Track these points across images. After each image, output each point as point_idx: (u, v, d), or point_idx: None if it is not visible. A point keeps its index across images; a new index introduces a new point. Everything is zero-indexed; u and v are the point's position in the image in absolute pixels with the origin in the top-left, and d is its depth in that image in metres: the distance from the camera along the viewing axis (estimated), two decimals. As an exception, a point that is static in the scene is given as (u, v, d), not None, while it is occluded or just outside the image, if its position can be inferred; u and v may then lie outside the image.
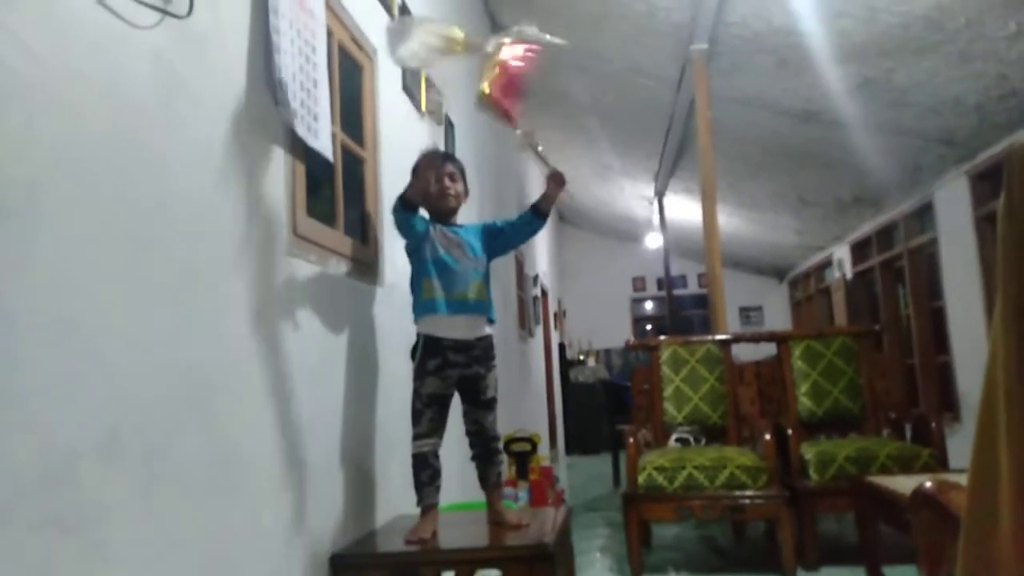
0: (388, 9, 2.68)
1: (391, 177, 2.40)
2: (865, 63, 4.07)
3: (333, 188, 2.01)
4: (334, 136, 1.94)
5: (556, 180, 1.99)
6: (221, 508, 1.32)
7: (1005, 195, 0.83)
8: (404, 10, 2.93)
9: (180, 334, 1.24)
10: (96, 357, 1.05)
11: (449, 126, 3.35)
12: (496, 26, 6.05)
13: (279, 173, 1.64)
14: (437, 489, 1.93)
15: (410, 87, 2.71)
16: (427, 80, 2.96)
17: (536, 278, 7.14)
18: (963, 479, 1.21)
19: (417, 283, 1.98)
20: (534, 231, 2.13)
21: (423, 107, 2.87)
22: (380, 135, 2.37)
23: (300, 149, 1.73)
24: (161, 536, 1.15)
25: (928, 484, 1.20)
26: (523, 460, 3.98)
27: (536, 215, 2.06)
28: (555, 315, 9.36)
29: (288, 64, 1.61)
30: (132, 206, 1.15)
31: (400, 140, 2.57)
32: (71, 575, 0.97)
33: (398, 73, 2.63)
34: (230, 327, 1.40)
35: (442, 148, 3.08)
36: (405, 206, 1.96)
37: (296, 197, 1.70)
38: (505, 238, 2.12)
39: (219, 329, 1.36)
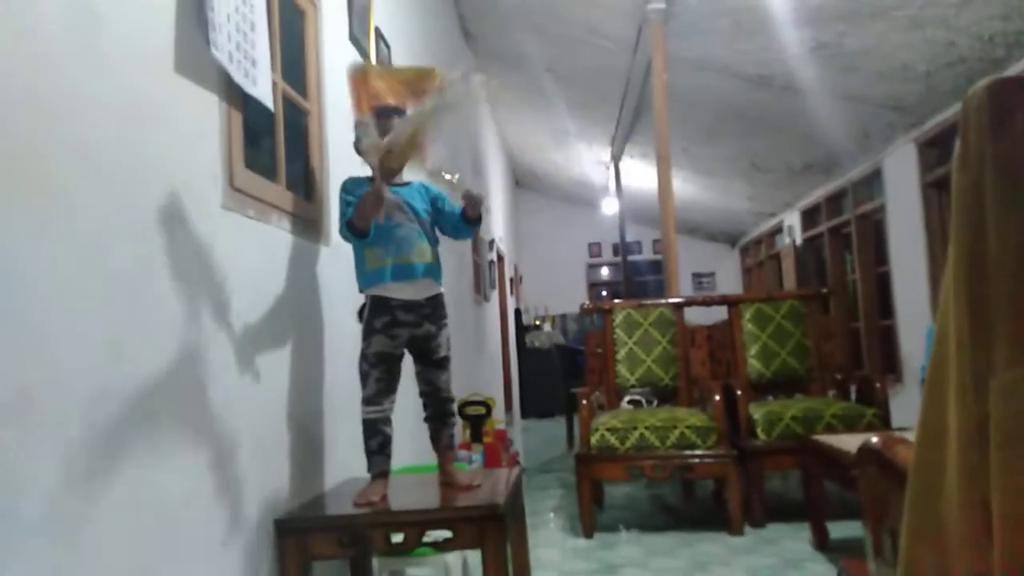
0: (364, 55, 2.62)
1: (337, 130, 2.30)
2: (819, 27, 4.08)
3: (274, 140, 1.91)
4: (275, 85, 1.83)
5: (470, 202, 1.90)
6: (154, 472, 1.25)
7: (960, 143, 0.80)
8: (380, 36, 2.81)
9: (103, 291, 1.16)
10: (8, 314, 0.97)
11: (400, 81, 3.23)
12: (468, 36, 5.89)
13: (213, 121, 1.54)
14: (388, 456, 1.89)
15: (358, 37, 2.59)
16: (376, 31, 2.84)
17: (492, 242, 7.08)
18: (908, 437, 1.22)
19: (359, 252, 1.91)
20: (461, 236, 2.04)
21: (372, 59, 2.76)
22: (325, 86, 2.26)
23: (237, 97, 1.63)
24: (87, 505, 1.08)
25: (874, 439, 1.21)
26: (477, 423, 3.98)
27: (464, 221, 1.97)
28: (511, 280, 9.34)
29: (222, 3, 1.50)
30: (48, 153, 1.06)
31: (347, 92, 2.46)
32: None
33: (344, 21, 2.51)
34: (160, 285, 1.32)
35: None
36: (355, 233, 1.81)
37: (232, 148, 1.60)
38: (443, 221, 2.00)
39: (147, 286, 1.28)
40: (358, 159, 2.17)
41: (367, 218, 1.79)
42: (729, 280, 10.96)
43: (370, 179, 1.79)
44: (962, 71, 4.22)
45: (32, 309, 1.01)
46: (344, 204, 1.90)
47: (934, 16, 3.73)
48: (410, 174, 2.02)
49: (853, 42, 4.17)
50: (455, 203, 2.00)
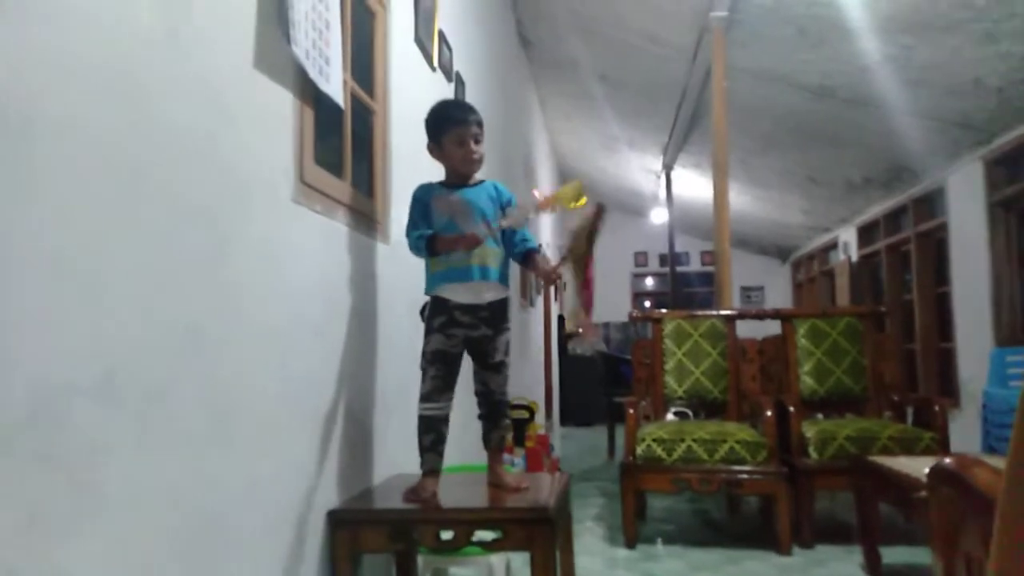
0: (428, 58, 2.66)
1: (401, 130, 2.34)
2: (887, 39, 3.98)
3: (342, 137, 1.95)
4: (345, 83, 1.87)
5: (547, 277, 1.93)
6: (217, 458, 1.28)
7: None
8: (443, 39, 2.85)
9: (179, 275, 1.19)
10: (93, 293, 1.00)
11: (460, 83, 3.27)
12: (526, 43, 5.91)
13: (287, 115, 1.57)
14: (440, 455, 1.89)
15: (423, 39, 2.62)
16: (440, 34, 2.87)
17: (539, 247, 7.07)
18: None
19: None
20: (511, 258, 2.00)
21: (435, 61, 2.79)
22: (391, 87, 2.30)
23: (310, 93, 1.66)
24: (155, 482, 1.11)
25: (949, 460, 1.16)
26: (520, 427, 3.98)
27: (521, 259, 1.96)
28: (555, 287, 9.32)
29: (300, 1, 1.53)
30: (130, 138, 1.09)
31: (411, 93, 2.49)
32: (63, 511, 0.93)
33: (411, 23, 2.55)
34: (231, 273, 1.35)
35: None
36: (431, 252, 1.87)
37: (304, 142, 1.64)
38: (508, 234, 1.94)
39: (219, 273, 1.31)
40: (419, 159, 2.20)
41: (449, 250, 1.84)
42: (779, 295, 10.75)
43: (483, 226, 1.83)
44: (1037, 87, 4.07)
45: (111, 291, 1.04)
46: (412, 212, 1.94)
47: (1011, 29, 3.61)
48: (487, 175, 2.03)
49: (923, 55, 4.06)
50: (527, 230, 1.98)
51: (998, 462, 1.13)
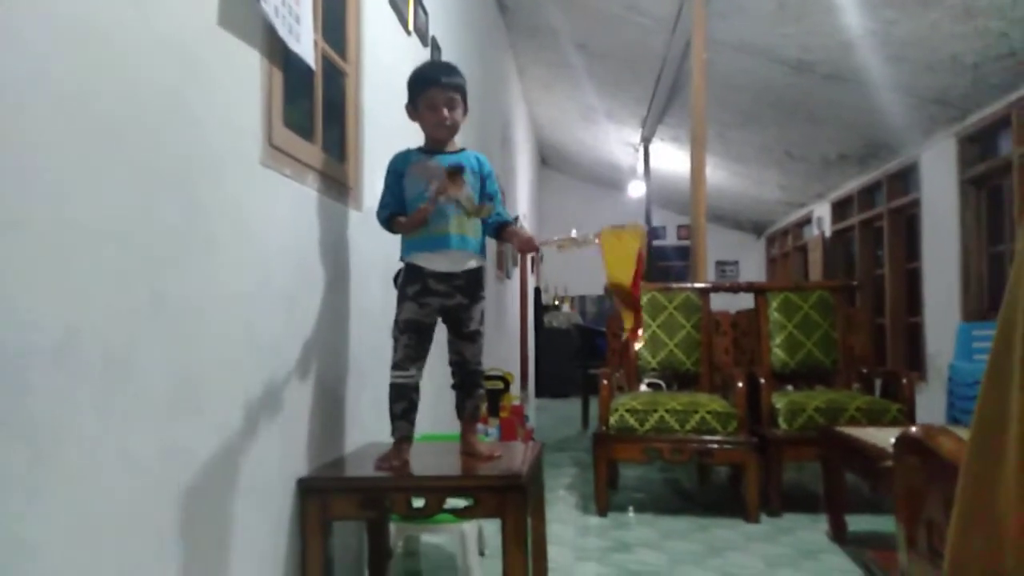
0: (403, 21, 2.59)
1: (375, 95, 2.28)
2: (869, 12, 3.96)
3: (312, 100, 1.90)
4: (316, 44, 1.81)
5: (526, 245, 1.93)
6: (182, 425, 1.26)
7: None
8: (419, 3, 2.78)
9: (143, 237, 1.16)
10: (53, 254, 0.97)
11: (435, 48, 3.20)
12: (503, 8, 5.79)
13: (255, 75, 1.53)
14: (411, 423, 1.88)
15: (397, 2, 2.56)
16: (416, -4, 2.80)
17: (516, 219, 7.04)
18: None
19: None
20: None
21: (410, 25, 2.73)
22: (364, 49, 2.24)
23: (279, 53, 1.61)
24: (117, 449, 1.09)
25: (915, 429, 1.18)
26: (495, 397, 3.98)
27: (495, 234, 1.96)
28: (532, 259, 9.30)
29: (268, -44, 1.48)
30: (92, 95, 1.05)
31: (385, 57, 2.44)
32: (22, 480, 0.91)
33: (386, -16, 2.48)
34: (197, 236, 1.31)
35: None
36: (391, 231, 1.90)
37: (273, 104, 1.59)
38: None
39: (185, 236, 1.27)
40: (393, 123, 2.15)
41: (408, 231, 1.85)
42: (753, 269, 10.85)
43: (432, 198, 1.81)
44: (1012, 64, 4.10)
45: (72, 252, 1.01)
46: (385, 184, 1.92)
47: (988, 5, 3.62)
48: (462, 144, 2.00)
49: (902, 30, 4.06)
50: (501, 204, 1.98)
51: (963, 432, 1.14)
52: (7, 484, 0.89)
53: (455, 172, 1.82)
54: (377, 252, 2.25)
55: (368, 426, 2.19)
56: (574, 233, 2.05)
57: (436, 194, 1.81)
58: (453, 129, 1.92)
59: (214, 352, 1.37)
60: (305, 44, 1.67)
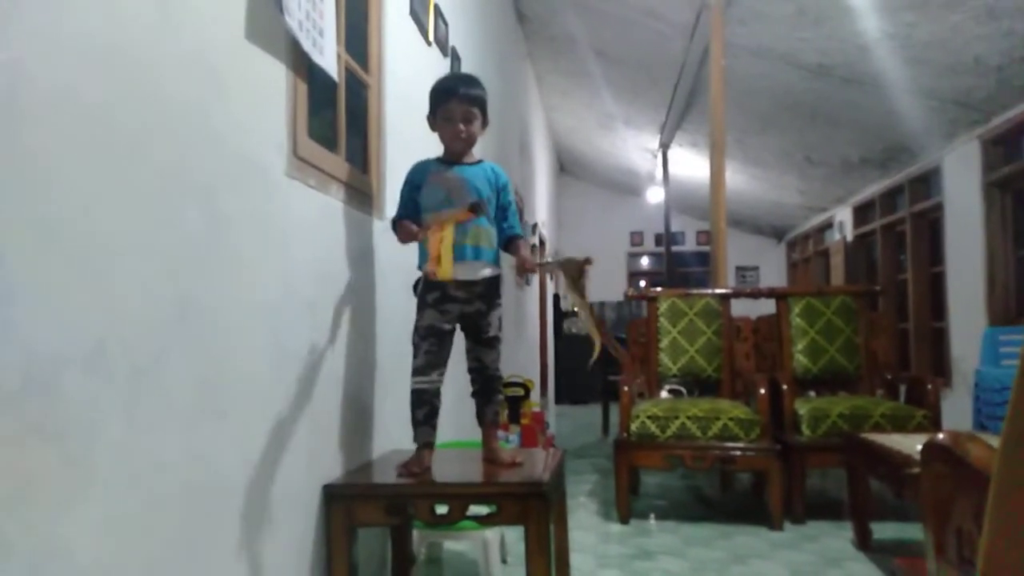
0: (423, 32, 2.62)
1: (396, 105, 2.31)
2: (888, 15, 3.94)
3: (335, 111, 1.92)
4: (339, 56, 1.84)
5: (522, 265, 1.91)
6: (209, 432, 1.28)
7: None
8: (439, 13, 2.81)
9: (171, 248, 1.18)
10: (84, 265, 0.99)
11: (455, 58, 3.23)
12: (522, 18, 5.82)
13: (280, 88, 1.55)
14: (433, 428, 1.90)
15: (418, 13, 2.59)
16: (435, 7, 2.83)
17: (535, 227, 7.06)
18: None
19: None
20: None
21: (430, 36, 2.75)
22: (386, 61, 2.27)
23: (303, 65, 1.64)
24: (146, 455, 1.11)
25: (943, 436, 1.17)
26: (515, 404, 3.99)
27: (505, 246, 1.98)
28: (533, 272, 9.29)
29: (292, -29, 1.51)
30: (120, 109, 1.07)
31: (406, 68, 2.46)
32: (56, 483, 0.93)
33: (406, -4, 2.51)
34: (224, 246, 1.34)
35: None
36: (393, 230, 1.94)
37: (297, 116, 1.62)
38: (497, 215, 1.96)
39: (212, 247, 1.30)
40: (414, 134, 2.17)
41: (399, 239, 1.92)
42: (773, 275, 10.77)
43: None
44: (1036, 66, 4.05)
45: (103, 263, 1.03)
46: (401, 194, 1.96)
47: (1013, 6, 3.58)
48: (481, 153, 2.02)
49: (923, 33, 4.02)
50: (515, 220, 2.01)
51: (991, 439, 1.13)
52: (42, 486, 0.91)
53: (477, 208, 1.83)
54: (399, 261, 2.27)
55: (392, 432, 2.20)
56: (549, 258, 2.06)
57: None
58: (469, 142, 1.93)
59: (239, 360, 1.39)
60: (328, 57, 1.70)
